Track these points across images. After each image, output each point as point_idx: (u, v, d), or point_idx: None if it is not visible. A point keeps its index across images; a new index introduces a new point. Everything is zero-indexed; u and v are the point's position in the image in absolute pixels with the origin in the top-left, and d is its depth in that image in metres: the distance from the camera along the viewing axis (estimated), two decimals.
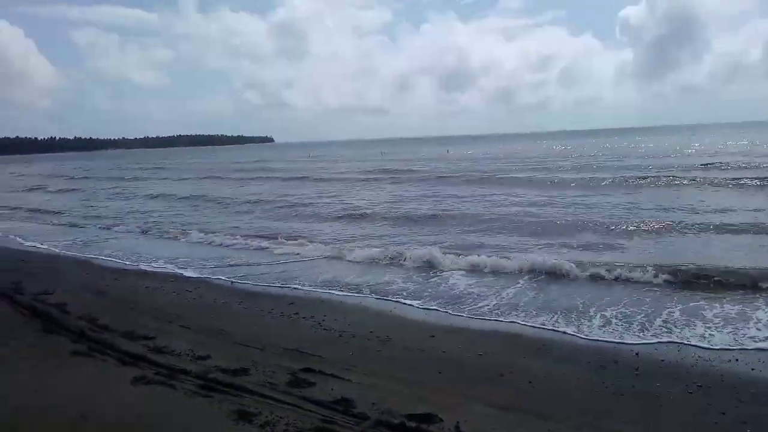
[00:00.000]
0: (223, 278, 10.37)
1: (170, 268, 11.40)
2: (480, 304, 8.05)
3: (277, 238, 14.01)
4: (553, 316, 7.33)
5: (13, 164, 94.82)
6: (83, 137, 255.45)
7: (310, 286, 9.54)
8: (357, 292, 9.06)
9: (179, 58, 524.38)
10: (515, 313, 7.58)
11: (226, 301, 8.54)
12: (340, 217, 18.15)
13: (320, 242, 13.34)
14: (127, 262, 12.16)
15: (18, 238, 15.95)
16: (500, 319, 7.40)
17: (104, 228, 18.02)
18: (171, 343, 6.04)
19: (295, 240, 13.71)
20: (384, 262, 11.10)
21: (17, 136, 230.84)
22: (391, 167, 40.25)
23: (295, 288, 9.46)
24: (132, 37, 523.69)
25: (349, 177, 35.07)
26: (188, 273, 10.92)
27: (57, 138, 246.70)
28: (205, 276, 10.62)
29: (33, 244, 14.95)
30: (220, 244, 14.06)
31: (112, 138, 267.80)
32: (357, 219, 17.58)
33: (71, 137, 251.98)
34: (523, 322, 7.17)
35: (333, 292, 9.13)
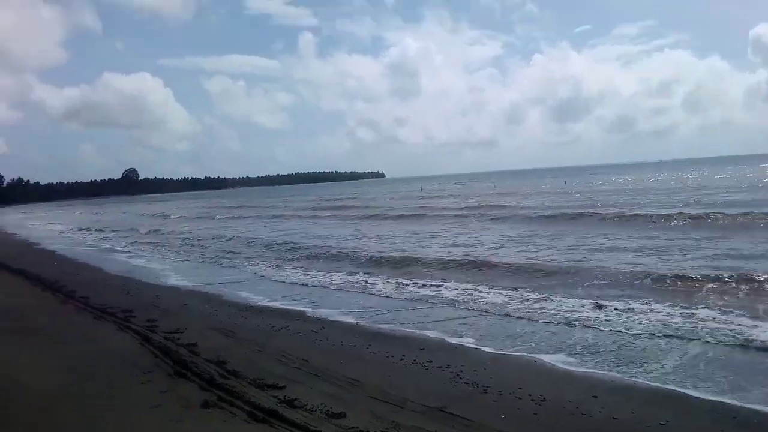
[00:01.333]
0: (348, 319, 9.94)
1: (296, 306, 11.18)
2: (651, 365, 6.83)
3: (393, 278, 13.47)
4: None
5: (156, 203, 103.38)
6: (212, 177, 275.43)
7: (442, 331, 8.81)
8: (491, 340, 8.21)
9: (299, 100, 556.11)
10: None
11: (354, 345, 8.02)
12: (461, 265, 16.60)
13: (444, 287, 12.51)
14: (255, 298, 12.14)
15: (158, 276, 16.69)
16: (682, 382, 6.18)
17: (232, 263, 18.51)
18: (302, 394, 5.54)
19: (422, 282, 13.04)
20: (518, 312, 10.07)
21: (155, 177, 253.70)
22: (503, 203, 38.35)
23: (424, 332, 8.78)
24: (257, 82, 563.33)
25: (462, 214, 33.51)
26: (313, 311, 10.64)
27: (190, 178, 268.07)
28: (328, 315, 10.25)
29: (169, 279, 15.55)
30: (342, 283, 13.74)
31: (237, 177, 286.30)
32: (480, 266, 16.40)
33: (202, 177, 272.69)
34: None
35: (465, 340, 8.32)
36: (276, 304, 11.56)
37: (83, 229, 40.80)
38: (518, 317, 9.49)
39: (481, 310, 10.13)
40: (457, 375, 6.46)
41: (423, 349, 7.78)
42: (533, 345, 7.87)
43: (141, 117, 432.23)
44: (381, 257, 17.36)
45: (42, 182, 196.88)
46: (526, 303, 10.29)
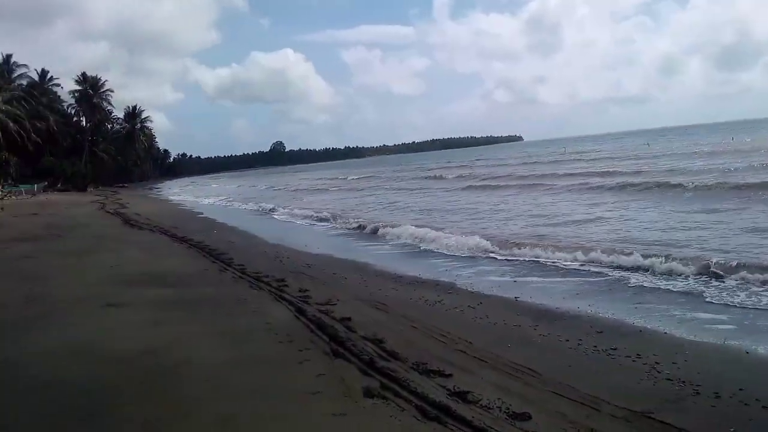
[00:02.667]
0: (505, 294, 9.11)
1: (448, 278, 10.55)
2: None
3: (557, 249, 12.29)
4: None
5: (300, 173, 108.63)
6: (351, 146, 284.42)
7: (619, 311, 7.68)
8: (683, 325, 6.95)
9: (433, 65, 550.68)
10: None
11: (519, 324, 7.19)
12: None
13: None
14: (402, 268, 11.71)
15: (307, 244, 16.97)
16: None
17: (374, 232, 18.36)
18: (473, 385, 4.86)
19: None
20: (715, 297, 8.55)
21: (299, 148, 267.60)
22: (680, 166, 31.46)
23: (596, 311, 7.70)
24: (392, 50, 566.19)
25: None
26: (466, 284, 9.94)
27: (330, 148, 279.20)
28: (485, 290, 9.49)
29: (317, 247, 15.70)
30: (493, 252, 12.87)
31: (374, 146, 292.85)
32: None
33: (342, 147, 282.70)
34: None
35: (650, 323, 7.12)
36: (426, 275, 11.03)
37: (238, 199, 43.61)
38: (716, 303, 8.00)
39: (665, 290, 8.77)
40: (653, 368, 5.41)
41: (601, 332, 6.77)
42: (741, 333, 6.51)
43: (285, 92, 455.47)
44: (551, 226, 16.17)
45: (202, 156, 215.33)
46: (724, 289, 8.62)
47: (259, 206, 33.27)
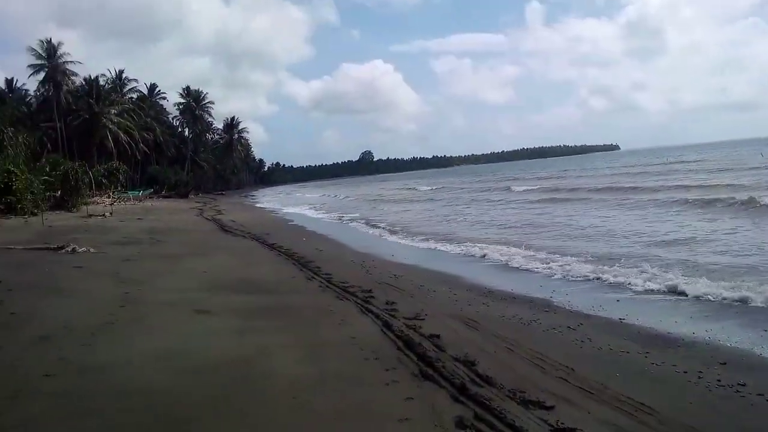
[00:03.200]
0: (607, 314, 8.36)
1: (542, 294, 9.90)
2: None
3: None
4: None
5: (385, 182, 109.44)
6: (438, 155, 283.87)
7: (743, 340, 6.77)
8: None
9: (525, 73, 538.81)
10: None
11: (627, 350, 6.48)
12: None
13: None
14: (493, 282, 11.15)
15: (394, 254, 16.74)
16: None
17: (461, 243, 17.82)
18: (579, 421, 4.31)
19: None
20: None
21: (387, 158, 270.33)
22: None
23: (714, 338, 6.84)
24: (482, 59, 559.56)
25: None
26: (563, 302, 9.26)
27: (418, 157, 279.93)
28: (584, 309, 8.77)
29: (404, 257, 15.41)
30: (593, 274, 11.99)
31: (462, 155, 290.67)
32: None
33: (429, 156, 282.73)
34: None
35: None
36: (519, 291, 10.42)
37: (323, 208, 44.37)
38: None
39: None
40: None
41: (724, 363, 5.95)
42: None
43: (374, 101, 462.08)
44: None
45: (294, 165, 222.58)
46: None
47: (342, 215, 33.59)
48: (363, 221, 28.57)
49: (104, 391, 4.62)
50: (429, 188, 62.15)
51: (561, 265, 12.31)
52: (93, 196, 43.42)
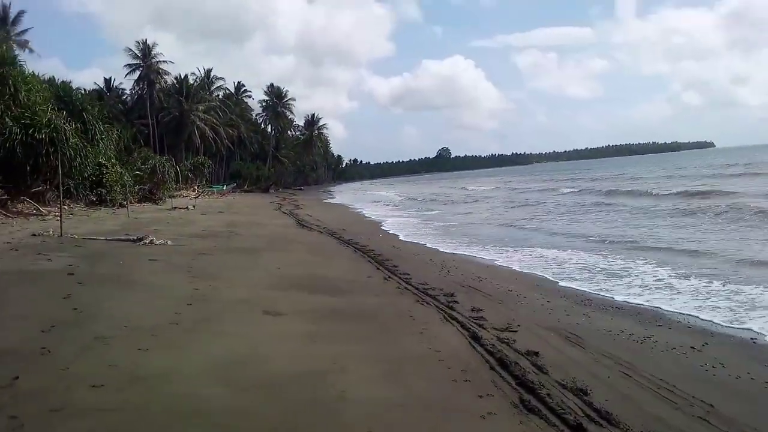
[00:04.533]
0: (738, 332, 7.04)
1: (647, 302, 8.63)
2: None
3: None
4: None
5: (461, 179, 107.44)
6: (518, 152, 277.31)
7: None
8: None
9: (614, 66, 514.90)
10: None
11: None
12: None
13: None
14: (593, 289, 9.95)
15: (479, 252, 15.73)
16: None
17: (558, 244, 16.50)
18: None
19: None
20: None
21: (465, 155, 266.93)
22: None
23: None
24: (568, 53, 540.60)
25: None
26: (677, 315, 7.99)
27: (496, 154, 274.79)
28: (705, 325, 7.49)
29: (487, 255, 14.38)
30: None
31: (543, 152, 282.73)
32: None
33: (509, 153, 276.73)
34: None
35: None
36: (620, 298, 9.20)
37: (410, 200, 43.70)
38: None
39: None
40: None
41: None
42: None
43: (454, 98, 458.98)
44: None
45: (372, 162, 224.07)
46: None
47: (418, 212, 32.69)
48: (432, 220, 27.61)
49: (152, 409, 4.00)
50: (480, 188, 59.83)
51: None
52: (179, 190, 44.93)
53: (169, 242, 14.09)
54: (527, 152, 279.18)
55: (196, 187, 50.79)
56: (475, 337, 6.46)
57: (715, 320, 7.66)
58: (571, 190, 42.53)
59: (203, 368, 4.90)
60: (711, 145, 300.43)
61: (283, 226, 23.31)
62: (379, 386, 4.77)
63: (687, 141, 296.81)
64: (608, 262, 12.68)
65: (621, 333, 7.06)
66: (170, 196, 36.46)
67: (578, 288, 10.16)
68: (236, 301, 7.81)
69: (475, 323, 7.19)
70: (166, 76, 69.18)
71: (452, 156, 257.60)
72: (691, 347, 6.42)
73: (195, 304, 7.42)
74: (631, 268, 11.76)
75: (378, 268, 11.97)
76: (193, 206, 31.83)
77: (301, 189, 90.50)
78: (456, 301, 8.57)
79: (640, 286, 10.04)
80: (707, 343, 6.60)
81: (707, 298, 8.86)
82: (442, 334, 6.58)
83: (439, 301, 8.60)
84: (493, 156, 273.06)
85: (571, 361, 5.69)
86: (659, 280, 10.46)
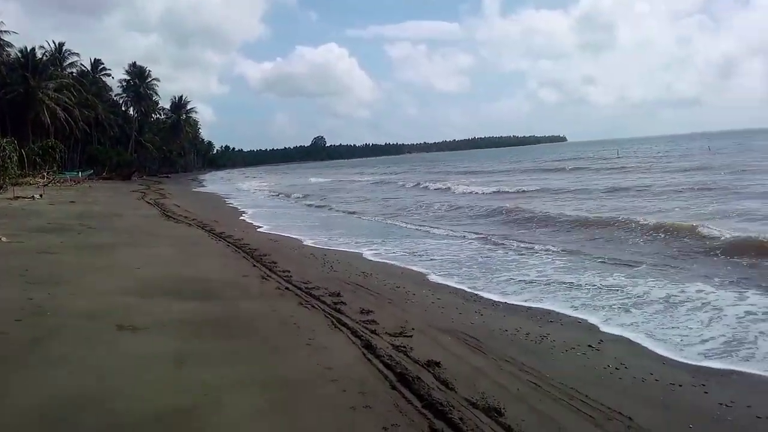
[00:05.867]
0: (627, 329, 7.00)
1: (532, 296, 8.48)
2: None
3: None
4: None
5: (340, 168, 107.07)
6: (391, 143, 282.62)
7: None
8: None
9: (479, 62, 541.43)
10: None
11: (679, 384, 5.08)
12: None
13: None
14: (481, 284, 9.67)
15: (357, 245, 15.11)
16: None
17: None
18: None
19: None
20: None
21: (340, 144, 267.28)
22: None
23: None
24: (437, 47, 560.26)
25: None
26: (566, 309, 7.88)
27: (370, 144, 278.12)
28: (595, 321, 7.40)
29: (367, 249, 13.81)
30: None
31: (414, 143, 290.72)
32: None
33: (382, 143, 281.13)
34: None
35: None
36: (514, 299, 8.99)
37: (281, 193, 42.29)
38: None
39: None
40: None
41: None
42: None
43: (328, 86, 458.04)
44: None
45: (245, 149, 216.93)
46: None
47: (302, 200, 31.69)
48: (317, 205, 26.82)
49: None
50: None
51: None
52: (24, 177, 40.00)
53: (3, 239, 11.98)
54: (399, 143, 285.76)
55: (45, 174, 45.53)
56: (369, 347, 5.77)
57: (593, 319, 7.58)
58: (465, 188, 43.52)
59: (23, 417, 3.71)
60: (564, 139, 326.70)
61: (146, 218, 21.24)
62: (265, 424, 3.91)
63: (543, 135, 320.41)
64: (492, 254, 12.63)
65: (517, 332, 6.73)
66: (13, 184, 32.24)
67: (467, 282, 9.87)
68: (82, 313, 6.47)
69: (366, 329, 6.51)
70: (9, 49, 61.45)
71: (327, 145, 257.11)
72: (589, 346, 6.21)
73: (26, 319, 6.02)
74: (517, 260, 11.76)
75: (254, 265, 10.94)
76: (41, 195, 28.25)
77: (167, 176, 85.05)
78: (343, 302, 7.85)
79: (525, 281, 9.95)
80: (602, 341, 6.45)
81: (589, 295, 8.91)
82: (332, 345, 5.82)
83: (324, 302, 7.82)
84: (367, 146, 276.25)
85: (475, 372, 5.19)
86: (542, 273, 10.48)
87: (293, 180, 67.94)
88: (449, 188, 34.63)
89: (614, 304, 8.02)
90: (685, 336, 6.53)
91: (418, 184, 42.18)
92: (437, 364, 5.26)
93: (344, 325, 6.66)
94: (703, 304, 7.77)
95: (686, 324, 6.99)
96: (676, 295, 8.23)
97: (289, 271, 10.14)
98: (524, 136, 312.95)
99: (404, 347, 5.80)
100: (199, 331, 6.14)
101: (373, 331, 6.40)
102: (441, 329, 6.74)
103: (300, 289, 8.73)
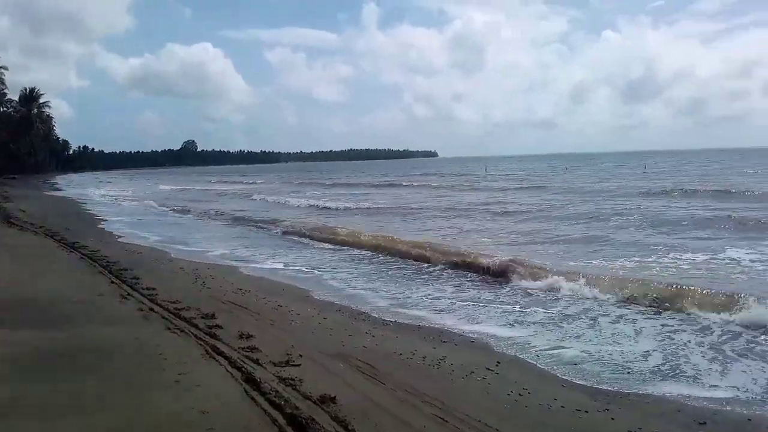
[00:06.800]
0: (521, 350, 6.81)
1: (420, 310, 8.12)
2: None
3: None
4: None
5: (208, 176, 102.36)
6: (267, 150, 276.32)
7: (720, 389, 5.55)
8: None
9: (358, 73, 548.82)
10: None
11: (584, 408, 4.85)
12: None
13: None
14: (370, 299, 9.15)
15: (231, 258, 14.01)
16: None
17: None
18: None
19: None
20: None
21: (213, 149, 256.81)
22: None
23: (684, 390, 5.55)
24: (317, 55, 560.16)
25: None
26: (457, 328, 7.59)
27: (246, 151, 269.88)
28: (488, 340, 7.16)
29: (244, 264, 12.82)
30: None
31: (291, 152, 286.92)
32: None
33: (257, 150, 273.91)
34: None
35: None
36: (395, 308, 8.59)
37: (154, 194, 39.30)
38: None
39: None
40: None
41: (704, 423, 4.62)
42: None
43: (202, 87, 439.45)
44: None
45: (106, 150, 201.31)
46: None
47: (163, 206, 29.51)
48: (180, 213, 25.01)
49: None
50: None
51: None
52: None
53: None
54: (276, 150, 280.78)
55: None
56: (252, 381, 4.97)
57: (487, 338, 7.39)
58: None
59: None
60: (435, 154, 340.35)
61: None
62: None
63: (417, 149, 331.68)
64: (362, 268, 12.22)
65: (413, 355, 6.27)
66: None
67: (351, 298, 9.33)
68: None
69: (247, 357, 5.69)
70: None
71: (199, 150, 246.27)
72: (488, 368, 5.90)
73: None
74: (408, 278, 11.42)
75: (113, 282, 9.59)
76: None
77: (13, 178, 76.09)
78: (219, 326, 6.94)
79: (427, 298, 9.60)
80: (499, 362, 6.17)
81: (475, 311, 8.74)
82: (207, 381, 4.94)
83: (197, 326, 6.86)
84: (241, 152, 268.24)
85: (375, 407, 4.60)
86: (434, 294, 10.20)
87: (146, 185, 63.69)
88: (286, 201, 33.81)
89: (501, 322, 7.89)
90: (575, 355, 6.45)
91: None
92: (332, 399, 4.60)
93: (221, 354, 5.78)
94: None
95: (571, 341, 6.95)
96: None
97: (154, 289, 8.97)
98: (399, 150, 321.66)
99: (293, 379, 5.07)
100: (35, 369, 4.96)
101: (256, 361, 5.60)
102: (332, 354, 6.10)
103: (167, 310, 7.65)
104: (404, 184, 48.52)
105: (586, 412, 4.80)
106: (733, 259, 11.54)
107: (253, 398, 4.57)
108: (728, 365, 6.05)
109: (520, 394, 5.16)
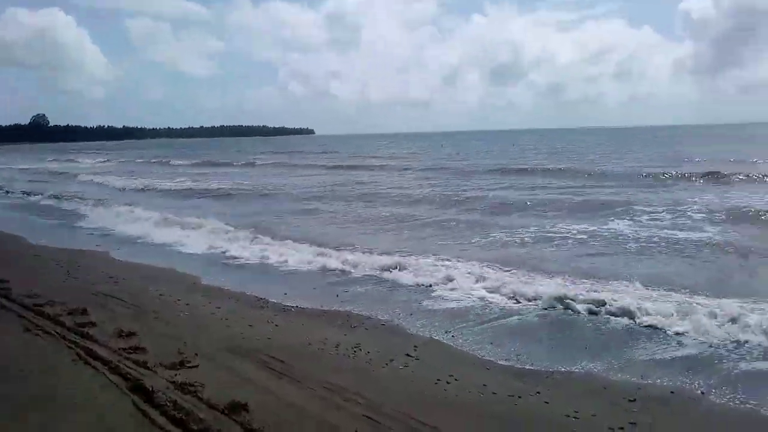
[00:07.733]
0: (427, 328, 6.48)
1: (322, 293, 7.57)
2: None
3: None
4: None
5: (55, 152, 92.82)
6: (131, 126, 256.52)
7: (631, 368, 5.54)
8: None
9: (231, 48, 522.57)
10: None
11: (517, 394, 4.59)
12: None
13: None
14: (255, 283, 8.39)
15: (96, 241, 12.43)
16: None
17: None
18: None
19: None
20: None
21: (68, 124, 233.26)
22: None
23: (599, 366, 5.48)
24: (184, 27, 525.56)
25: None
26: (356, 309, 7.12)
27: (106, 126, 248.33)
28: (396, 319, 6.76)
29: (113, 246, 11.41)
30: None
31: (157, 128, 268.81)
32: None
33: (120, 126, 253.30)
34: None
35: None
36: (294, 293, 7.95)
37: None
38: None
39: None
40: None
41: (633, 400, 4.53)
42: None
43: (52, 58, 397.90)
44: None
45: None
46: None
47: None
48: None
49: None
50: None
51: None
52: None
53: None
54: (141, 126, 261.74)
55: None
56: (142, 390, 4.14)
57: (382, 316, 7.00)
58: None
59: None
60: (312, 132, 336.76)
61: None
62: None
63: (293, 127, 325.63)
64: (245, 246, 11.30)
65: (324, 345, 5.68)
66: None
67: (243, 283, 8.52)
68: None
69: (132, 361, 4.80)
70: None
71: (51, 125, 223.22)
72: (407, 354, 5.48)
73: None
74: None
75: None
76: None
77: None
78: (92, 322, 5.92)
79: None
80: (416, 346, 5.78)
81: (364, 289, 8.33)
82: (82, 395, 4.03)
83: (64, 325, 5.78)
84: (101, 128, 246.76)
85: (295, 412, 3.98)
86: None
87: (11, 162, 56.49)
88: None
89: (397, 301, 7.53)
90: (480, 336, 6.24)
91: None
92: (243, 406, 3.92)
93: (98, 357, 4.83)
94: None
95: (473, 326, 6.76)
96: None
97: (7, 282, 7.59)
98: (275, 127, 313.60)
99: (192, 385, 4.30)
100: None
101: (143, 364, 4.73)
102: (233, 350, 5.36)
103: (25, 306, 6.43)
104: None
105: (520, 397, 4.52)
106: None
107: (145, 413, 3.77)
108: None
109: (448, 383, 4.78)
